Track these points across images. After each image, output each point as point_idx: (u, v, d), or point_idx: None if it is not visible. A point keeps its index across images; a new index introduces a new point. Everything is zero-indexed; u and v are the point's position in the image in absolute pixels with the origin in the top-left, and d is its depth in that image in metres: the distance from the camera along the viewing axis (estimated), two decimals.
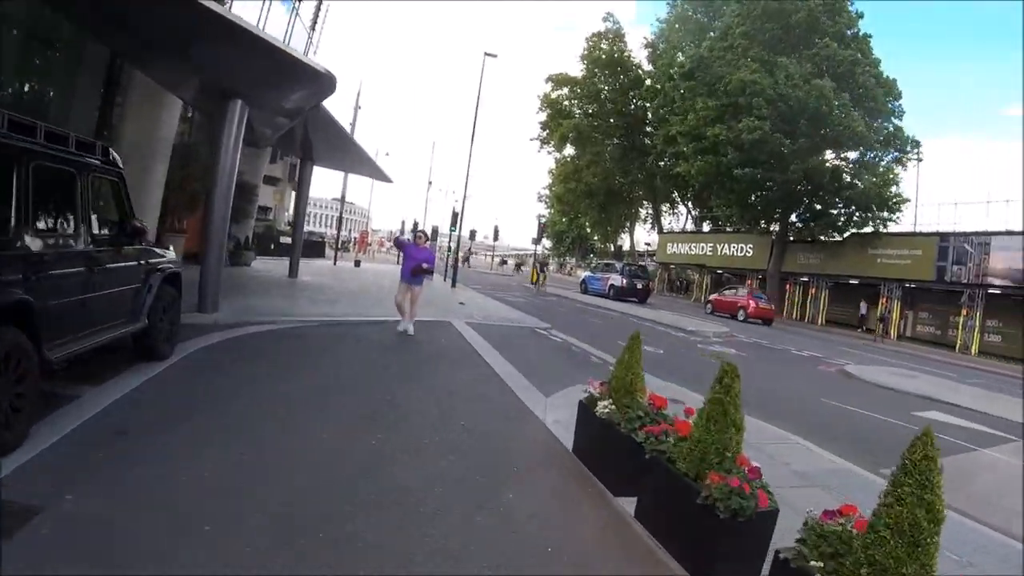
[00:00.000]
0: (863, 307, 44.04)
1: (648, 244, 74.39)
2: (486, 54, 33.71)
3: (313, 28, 31.48)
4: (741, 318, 38.32)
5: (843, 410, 12.87)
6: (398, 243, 16.82)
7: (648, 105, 60.91)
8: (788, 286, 49.70)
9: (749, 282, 51.17)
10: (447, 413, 8.12)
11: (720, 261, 55.16)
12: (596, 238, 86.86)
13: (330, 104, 19.04)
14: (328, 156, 28.28)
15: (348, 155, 28.05)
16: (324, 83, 14.14)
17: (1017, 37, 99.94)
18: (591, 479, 6.42)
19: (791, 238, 49.96)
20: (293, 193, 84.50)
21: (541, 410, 8.87)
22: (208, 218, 14.82)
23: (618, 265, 44.39)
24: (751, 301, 39.64)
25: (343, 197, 47.39)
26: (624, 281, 40.18)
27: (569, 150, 68.18)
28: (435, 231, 46.47)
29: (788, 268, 48.83)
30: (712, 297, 45.25)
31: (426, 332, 14.91)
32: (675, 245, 61.40)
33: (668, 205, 71.68)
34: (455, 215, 38.94)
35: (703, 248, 56.96)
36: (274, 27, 23.97)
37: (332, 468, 5.87)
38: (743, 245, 52.72)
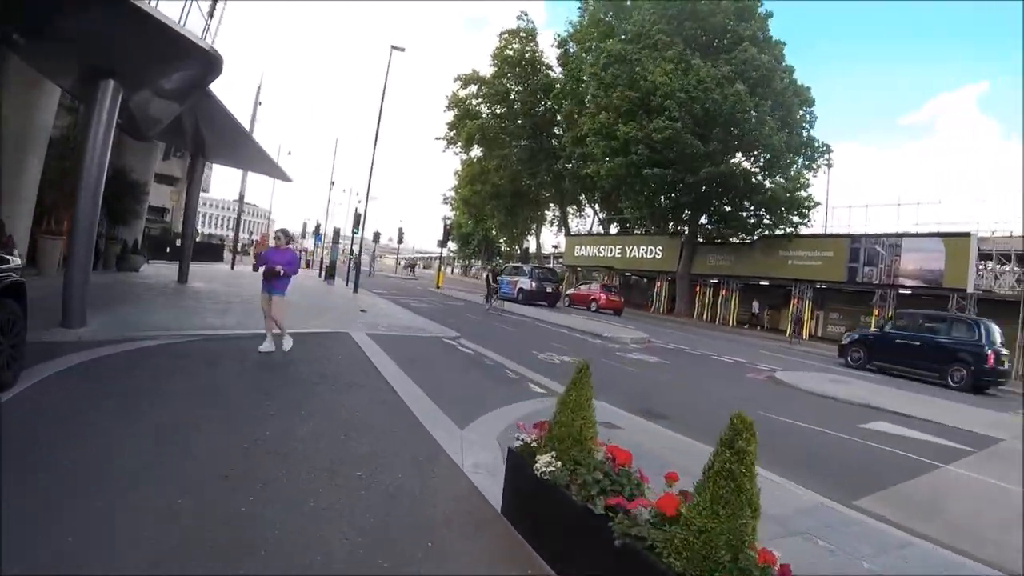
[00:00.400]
0: (755, 306, 46.20)
1: (555, 247, 73.55)
2: (393, 47, 31.88)
3: (211, 15, 29.40)
4: (593, 309, 41.18)
5: (789, 426, 11.56)
6: (257, 256, 13.48)
7: (557, 107, 60.01)
8: (698, 288, 49.30)
9: (607, 277, 54.05)
10: (340, 458, 6.29)
11: (629, 263, 54.44)
12: (502, 241, 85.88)
13: (227, 98, 17.55)
14: (223, 152, 26.21)
15: (245, 152, 26.02)
16: (209, 63, 12.53)
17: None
18: (532, 557, 4.68)
19: (701, 240, 49.75)
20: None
21: (456, 447, 7.13)
22: (74, 217, 12.58)
23: (526, 268, 43.52)
24: (602, 294, 42.94)
25: (241, 197, 45.02)
26: (533, 284, 39.57)
27: (476, 151, 66.82)
28: (337, 233, 44.29)
29: (698, 270, 48.64)
30: (569, 292, 46.64)
31: (321, 347, 13.09)
32: (583, 247, 60.64)
33: (575, 207, 71.04)
34: (358, 216, 36.92)
35: (611, 250, 56.27)
36: (169, 8, 21.97)
37: (183, 556, 4.09)
38: (652, 247, 52.11)
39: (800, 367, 21.94)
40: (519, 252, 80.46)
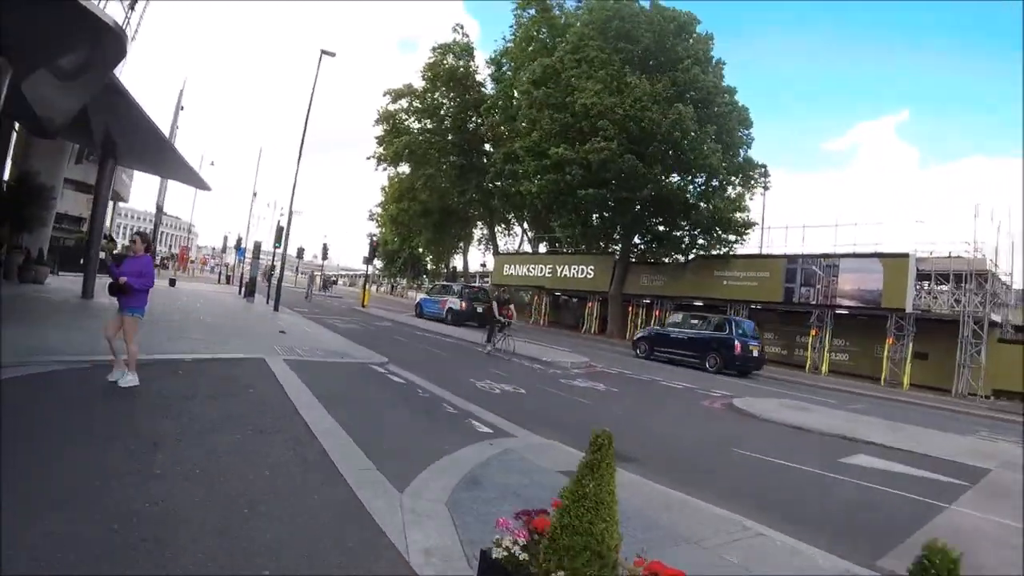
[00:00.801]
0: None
1: (483, 265, 72.14)
2: (323, 52, 30.03)
3: (132, 7, 27.43)
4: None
5: (766, 463, 10.30)
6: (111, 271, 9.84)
7: (487, 124, 58.97)
8: (631, 308, 47.90)
9: (536, 297, 54.89)
10: (243, 547, 4.44)
11: (559, 283, 52.86)
12: (429, 258, 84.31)
13: (147, 101, 15.70)
14: (136, 156, 24.21)
15: (161, 157, 24.10)
16: (113, 41, 10.91)
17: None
18: None
19: (633, 260, 48.76)
20: (111, 203, 79.52)
21: (396, 523, 5.25)
22: None
23: (456, 287, 41.09)
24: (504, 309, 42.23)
25: (159, 207, 42.55)
26: (463, 304, 36.86)
27: (404, 168, 64.95)
28: (258, 247, 41.97)
29: (631, 290, 47.34)
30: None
31: (229, 379, 11.10)
32: (512, 266, 58.77)
33: (504, 226, 69.52)
34: (280, 230, 34.80)
35: (541, 269, 54.64)
36: None
37: None
38: (584, 267, 50.63)
39: (747, 391, 20.66)
40: (445, 271, 78.95)
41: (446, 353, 21.76)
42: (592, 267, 49.88)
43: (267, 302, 33.27)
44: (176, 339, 14.85)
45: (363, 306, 42.79)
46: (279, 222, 35.39)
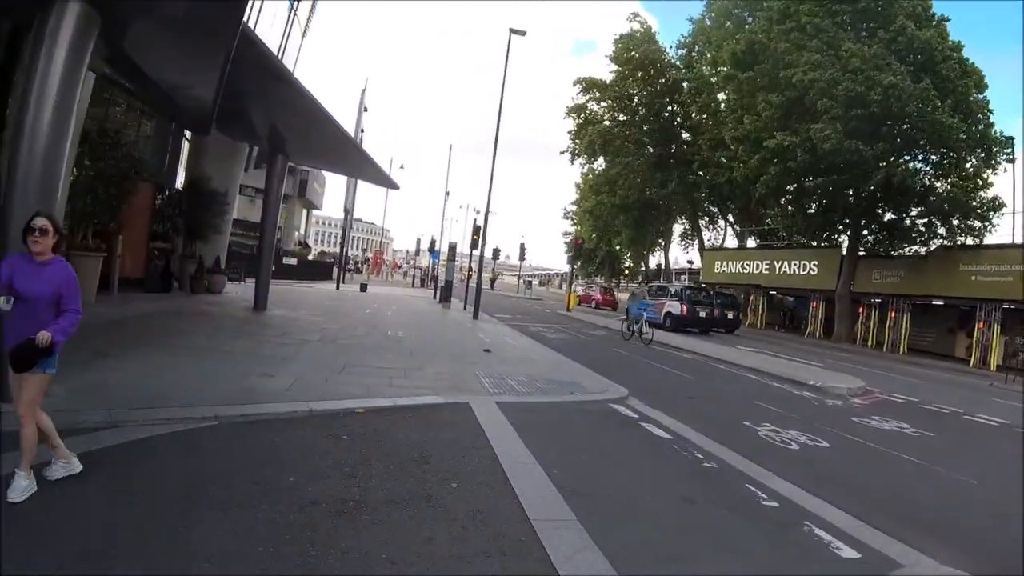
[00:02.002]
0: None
1: (690, 263, 66.65)
2: (512, 31, 26.57)
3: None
4: (593, 306, 48.44)
5: None
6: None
7: (684, 111, 55.38)
8: (861, 309, 41.24)
9: (751, 296, 49.05)
10: None
11: (778, 280, 46.95)
12: (627, 256, 79.90)
13: (324, 98, 12.94)
14: (309, 150, 21.32)
15: (337, 151, 21.11)
16: None
17: None
18: None
19: (862, 253, 42.48)
20: (305, 211, 79.58)
21: None
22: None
23: (674, 288, 36.40)
24: (599, 295, 56.49)
25: (347, 210, 40.00)
26: (684, 308, 32.61)
27: (600, 161, 61.63)
28: (453, 248, 38.62)
29: (861, 288, 41.00)
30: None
31: (419, 452, 7.11)
32: (724, 263, 53.27)
33: (708, 219, 64.26)
34: (477, 229, 31.40)
35: (758, 266, 48.85)
36: None
37: None
38: (806, 262, 44.60)
39: None
40: (644, 269, 74.58)
41: (688, 375, 17.37)
42: (816, 262, 43.86)
43: (464, 307, 30.24)
44: (357, 365, 11.75)
45: (568, 310, 39.19)
46: (475, 221, 31.97)
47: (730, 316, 34.79)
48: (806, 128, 35.17)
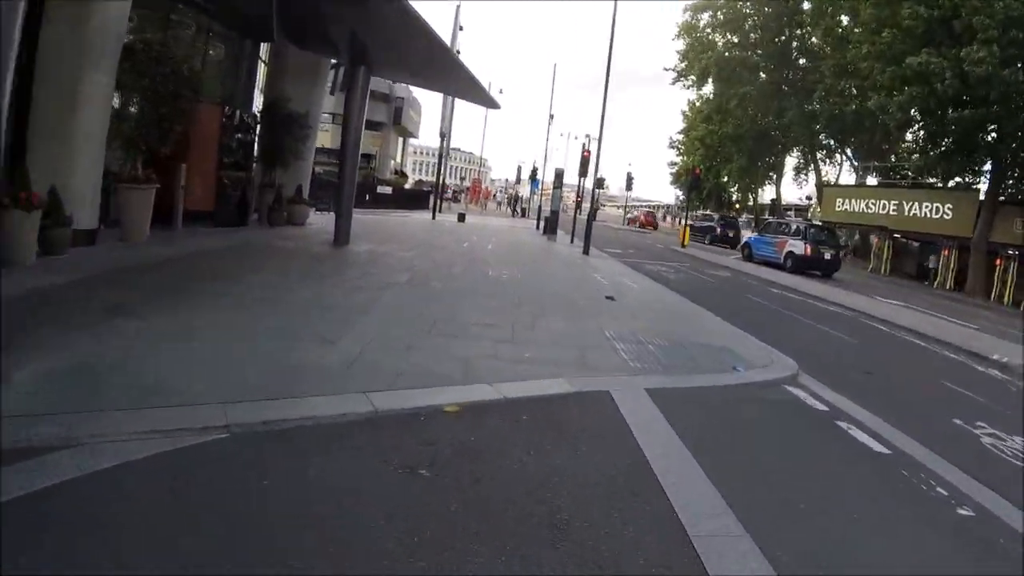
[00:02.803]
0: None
1: (808, 199, 61.93)
2: None
3: None
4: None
5: None
6: None
7: (806, 34, 50.32)
8: (998, 261, 35.63)
9: (877, 238, 44.25)
10: None
11: (906, 223, 41.42)
12: (734, 189, 75.41)
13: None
14: (395, 61, 18.50)
15: (431, 63, 18.33)
16: None
17: None
18: None
19: (1004, 199, 37.27)
20: (400, 139, 77.36)
21: None
22: None
23: (798, 225, 33.74)
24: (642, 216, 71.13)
25: (443, 134, 37.12)
26: (808, 248, 29.99)
27: (708, 87, 57.95)
28: (560, 175, 34.37)
29: (1000, 238, 35.79)
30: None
31: (551, 472, 4.68)
32: (846, 201, 47.53)
33: (825, 153, 58.96)
34: (585, 156, 28.18)
35: (884, 206, 43.28)
36: None
37: None
38: (939, 205, 39.19)
39: None
40: (753, 203, 70.21)
41: (847, 335, 14.27)
42: (950, 206, 38.56)
43: (571, 241, 27.45)
44: (450, 321, 9.32)
45: (683, 246, 36.05)
46: (583, 147, 28.68)
47: (828, 257, 31.26)
48: (956, 51, 30.45)
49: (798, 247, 30.30)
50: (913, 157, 42.81)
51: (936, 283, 38.57)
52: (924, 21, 32.35)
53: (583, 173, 28.41)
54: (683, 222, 38.22)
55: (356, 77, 17.19)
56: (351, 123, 17.43)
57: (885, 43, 34.51)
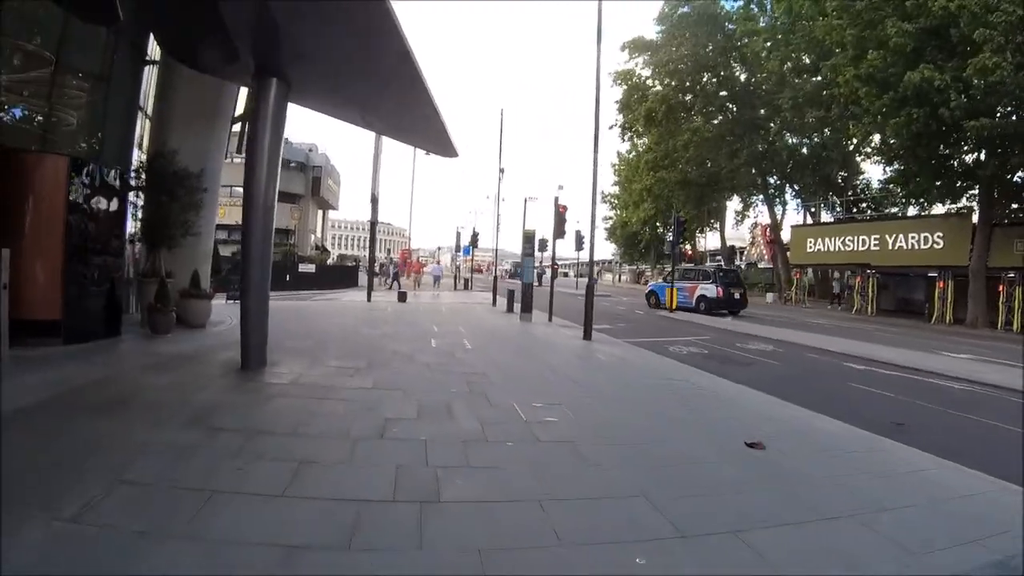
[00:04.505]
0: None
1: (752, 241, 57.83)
2: None
3: None
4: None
5: None
6: None
7: (745, 70, 48.29)
8: (1000, 288, 31.75)
9: (858, 278, 38.73)
10: None
11: (892, 258, 37.12)
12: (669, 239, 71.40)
13: None
14: (327, 78, 11.84)
15: (381, 84, 11.73)
16: None
17: None
18: None
19: (1005, 221, 33.55)
20: (320, 212, 70.95)
21: None
22: None
23: (706, 270, 34.71)
24: None
25: (375, 198, 30.63)
26: (720, 290, 31.33)
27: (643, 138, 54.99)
28: (531, 238, 26.08)
29: (1000, 262, 31.86)
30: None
31: None
32: (819, 240, 42.90)
33: (773, 193, 54.50)
34: (560, 219, 22.22)
35: (864, 242, 39.09)
36: None
37: None
38: (927, 234, 35.10)
39: None
40: (691, 251, 66.06)
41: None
42: (940, 233, 34.44)
43: (549, 319, 21.79)
44: None
45: (671, 310, 30.36)
46: (556, 201, 22.33)
47: (737, 296, 32.47)
48: (957, 64, 26.67)
49: (711, 290, 31.30)
50: (884, 187, 40.63)
51: (934, 317, 34.08)
52: (912, 37, 28.12)
53: (558, 234, 22.40)
54: (671, 280, 32.87)
55: (265, 94, 10.34)
56: (257, 166, 10.22)
57: (873, 65, 30.09)
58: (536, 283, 28.92)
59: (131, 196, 14.40)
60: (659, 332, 21.45)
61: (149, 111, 16.15)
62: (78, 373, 8.72)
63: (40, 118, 13.03)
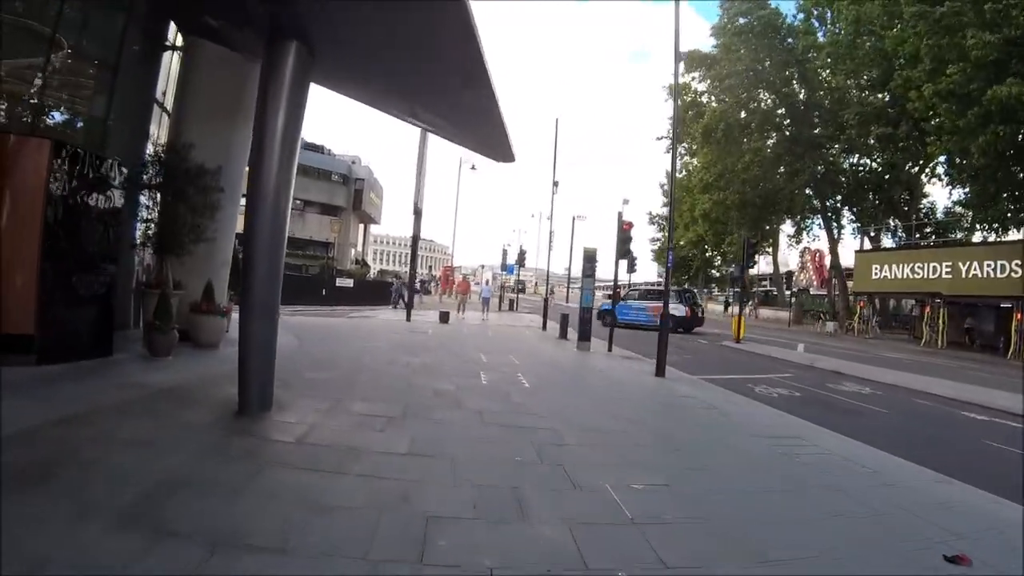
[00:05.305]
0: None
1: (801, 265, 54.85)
2: None
3: None
4: None
5: None
6: None
7: (806, 87, 45.40)
8: None
9: (927, 308, 37.34)
10: None
11: (965, 287, 33.80)
12: (720, 263, 68.88)
13: None
14: (366, 52, 9.57)
15: (437, 69, 10.00)
16: None
17: None
18: None
19: None
20: (362, 226, 68.90)
21: None
22: None
23: (674, 289, 32.80)
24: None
25: (417, 210, 28.15)
26: (688, 311, 33.28)
27: (696, 157, 53.24)
28: (592, 258, 21.59)
29: None
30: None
31: None
32: (885, 267, 39.49)
33: (831, 216, 51.25)
34: (624, 238, 19.72)
35: (935, 269, 35.60)
36: None
37: None
38: (1004, 261, 31.86)
39: None
40: (737, 274, 63.43)
41: None
42: (1019, 261, 30.96)
43: (609, 349, 19.71)
44: None
45: (737, 341, 27.55)
46: (619, 218, 19.70)
47: (700, 315, 35.28)
48: None
49: (680, 310, 31.97)
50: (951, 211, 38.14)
51: (1010, 352, 30.80)
52: (993, 48, 25.63)
53: (622, 253, 19.76)
54: (740, 313, 30.25)
55: (281, 60, 7.78)
56: (267, 149, 7.70)
57: (953, 81, 27.54)
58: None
59: (143, 196, 12.49)
60: (732, 367, 18.79)
61: (170, 106, 14.11)
62: (15, 414, 6.26)
63: (33, 100, 10.86)
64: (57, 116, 11.54)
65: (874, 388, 15.93)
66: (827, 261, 53.44)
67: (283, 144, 7.64)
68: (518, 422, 8.52)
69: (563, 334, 23.46)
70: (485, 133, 13.32)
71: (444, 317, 26.82)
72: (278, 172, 7.59)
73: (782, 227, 56.83)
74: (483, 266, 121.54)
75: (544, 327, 28.11)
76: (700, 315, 34.43)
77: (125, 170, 10.78)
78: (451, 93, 10.88)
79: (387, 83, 10.74)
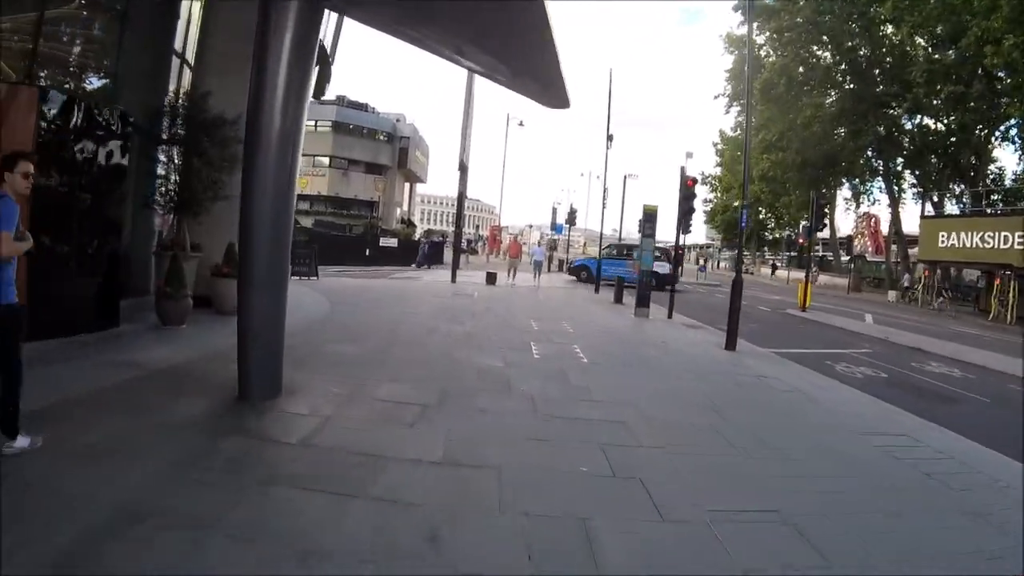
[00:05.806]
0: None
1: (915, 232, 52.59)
2: None
3: None
4: None
5: None
6: None
7: (870, 41, 41.82)
8: None
9: (997, 279, 33.88)
10: None
11: None
12: (773, 226, 66.60)
13: None
14: None
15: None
16: None
17: None
18: None
19: None
20: (407, 185, 67.70)
21: None
22: None
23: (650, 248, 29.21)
24: None
25: (463, 165, 26.82)
26: (672, 269, 29.63)
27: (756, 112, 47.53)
28: (652, 217, 21.04)
29: None
30: None
31: None
32: (951, 236, 36.22)
33: (895, 179, 48.32)
34: (688, 195, 17.99)
35: (1007, 239, 32.38)
36: None
37: None
38: None
39: None
40: (790, 238, 60.98)
41: None
42: None
43: (669, 316, 18.18)
44: None
45: (803, 309, 25.56)
46: (682, 173, 17.97)
47: (679, 274, 31.41)
48: None
49: (664, 267, 30.97)
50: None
51: None
52: None
53: (685, 211, 18.06)
54: (807, 279, 27.81)
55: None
56: (266, 87, 6.29)
57: None
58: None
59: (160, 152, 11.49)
60: (803, 340, 17.07)
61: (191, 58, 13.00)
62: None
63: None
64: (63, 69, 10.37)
65: (963, 370, 14.13)
66: (883, 227, 50.93)
67: (288, 83, 6.25)
68: (579, 412, 7.07)
69: (618, 298, 22.15)
70: (539, 77, 11.72)
71: (491, 278, 25.65)
72: (281, 116, 6.22)
73: (839, 191, 53.90)
74: (531, 226, 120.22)
75: (597, 290, 26.94)
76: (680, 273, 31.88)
77: (132, 119, 9.57)
78: (503, 32, 9.31)
79: (429, 15, 9.16)
